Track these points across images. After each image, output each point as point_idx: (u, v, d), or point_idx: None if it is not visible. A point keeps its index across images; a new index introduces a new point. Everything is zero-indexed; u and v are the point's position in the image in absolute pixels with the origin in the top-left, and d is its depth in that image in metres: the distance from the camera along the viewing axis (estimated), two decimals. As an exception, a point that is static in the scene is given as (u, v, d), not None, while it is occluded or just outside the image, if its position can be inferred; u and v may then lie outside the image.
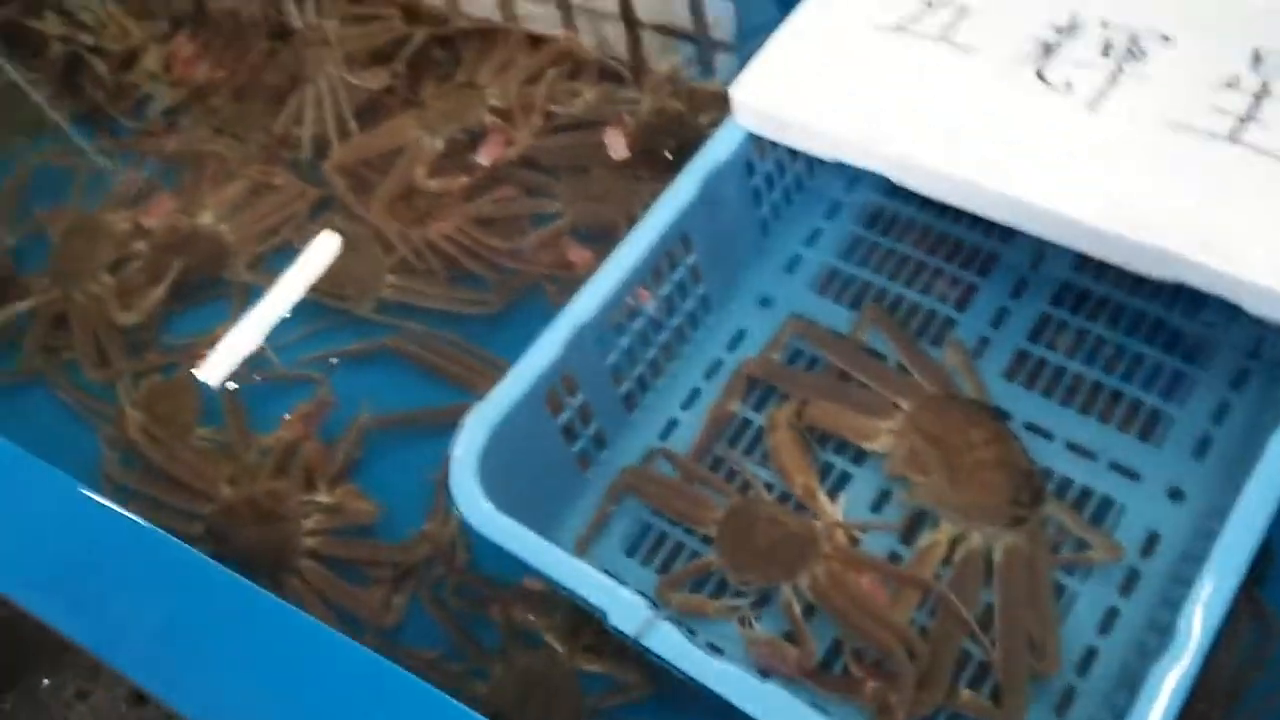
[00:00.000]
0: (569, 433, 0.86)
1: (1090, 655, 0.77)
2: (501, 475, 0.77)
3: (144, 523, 0.75)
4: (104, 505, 0.77)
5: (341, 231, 1.12)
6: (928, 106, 0.84)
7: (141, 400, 1.04)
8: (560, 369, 0.81)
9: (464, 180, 1.12)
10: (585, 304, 0.82)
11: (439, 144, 1.15)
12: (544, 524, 0.77)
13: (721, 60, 1.21)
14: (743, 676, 0.64)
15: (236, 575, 0.72)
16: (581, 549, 0.87)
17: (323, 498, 0.96)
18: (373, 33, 1.26)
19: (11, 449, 0.80)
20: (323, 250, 1.11)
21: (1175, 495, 0.82)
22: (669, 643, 0.66)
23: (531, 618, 0.86)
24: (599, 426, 0.88)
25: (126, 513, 0.76)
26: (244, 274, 1.13)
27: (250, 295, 1.11)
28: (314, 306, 1.09)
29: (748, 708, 0.62)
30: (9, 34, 1.43)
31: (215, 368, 1.07)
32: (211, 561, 0.73)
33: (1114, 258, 0.77)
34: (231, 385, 1.04)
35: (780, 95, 0.87)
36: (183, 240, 1.14)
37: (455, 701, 0.64)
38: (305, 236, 1.13)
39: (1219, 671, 0.72)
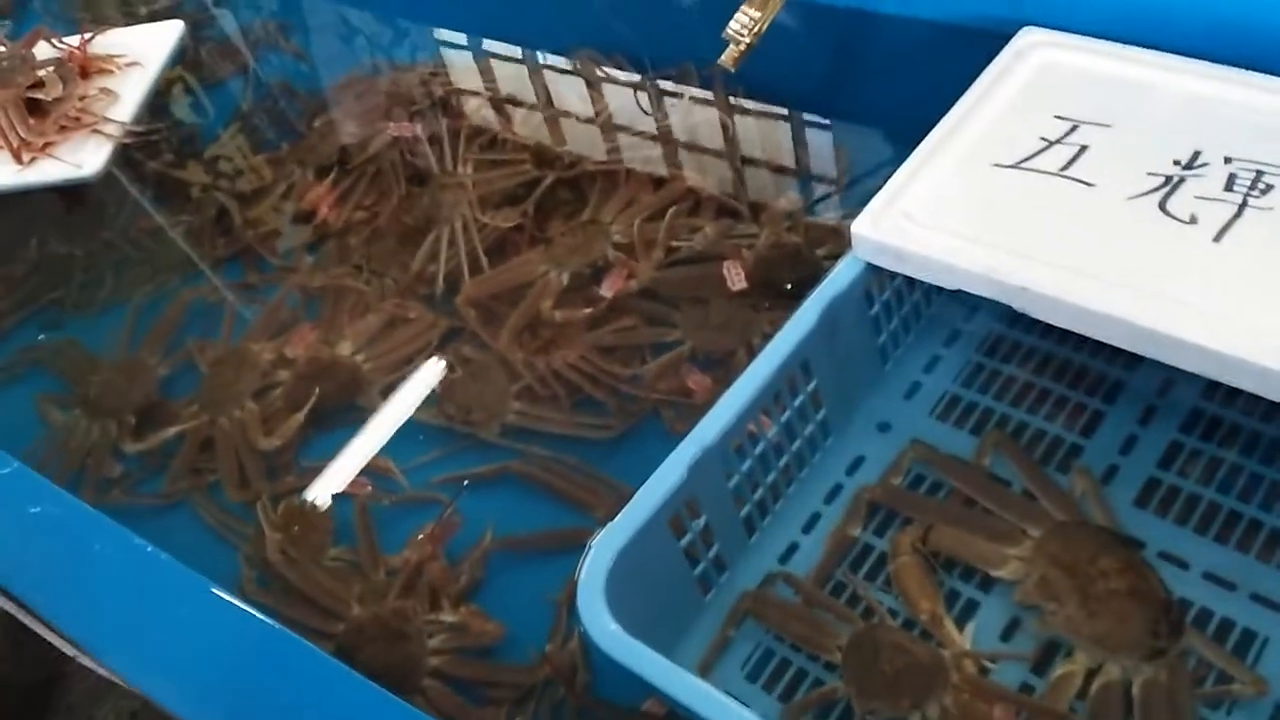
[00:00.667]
0: (691, 556, 0.87)
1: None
2: (626, 597, 0.78)
3: (300, 638, 0.78)
4: (267, 622, 0.79)
5: (470, 360, 1.17)
6: (1049, 237, 0.85)
7: (279, 521, 1.09)
8: (685, 492, 0.83)
9: (587, 311, 1.17)
10: (710, 427, 0.84)
11: (564, 278, 1.20)
12: (664, 647, 0.77)
13: (834, 198, 1.24)
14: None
15: (385, 691, 0.74)
16: (703, 672, 0.86)
17: (448, 617, 0.98)
18: (505, 176, 1.35)
19: (172, 562, 0.84)
20: (452, 378, 1.16)
21: (1325, 630, 0.79)
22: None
23: None
24: (720, 550, 0.89)
25: (282, 627, 0.78)
26: (378, 401, 1.18)
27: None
28: (442, 431, 1.13)
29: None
30: (161, 182, 1.56)
31: (349, 490, 1.11)
32: (364, 679, 0.75)
33: (1251, 386, 0.76)
34: (363, 507, 1.09)
35: (899, 229, 0.89)
36: (322, 369, 1.21)
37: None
38: (436, 366, 1.19)
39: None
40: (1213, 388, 0.93)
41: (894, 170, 0.94)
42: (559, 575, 0.97)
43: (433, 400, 1.16)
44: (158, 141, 1.58)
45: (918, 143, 0.96)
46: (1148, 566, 0.82)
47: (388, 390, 1.19)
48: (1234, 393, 0.91)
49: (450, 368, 1.17)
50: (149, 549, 0.86)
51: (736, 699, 0.72)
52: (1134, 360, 0.97)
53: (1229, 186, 0.85)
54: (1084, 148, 0.92)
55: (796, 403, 0.91)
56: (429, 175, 1.40)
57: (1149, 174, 0.88)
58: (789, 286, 1.11)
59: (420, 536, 1.03)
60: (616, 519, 0.80)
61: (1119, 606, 0.79)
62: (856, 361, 0.98)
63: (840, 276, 0.92)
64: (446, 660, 0.96)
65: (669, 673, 0.72)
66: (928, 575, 0.87)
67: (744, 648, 0.88)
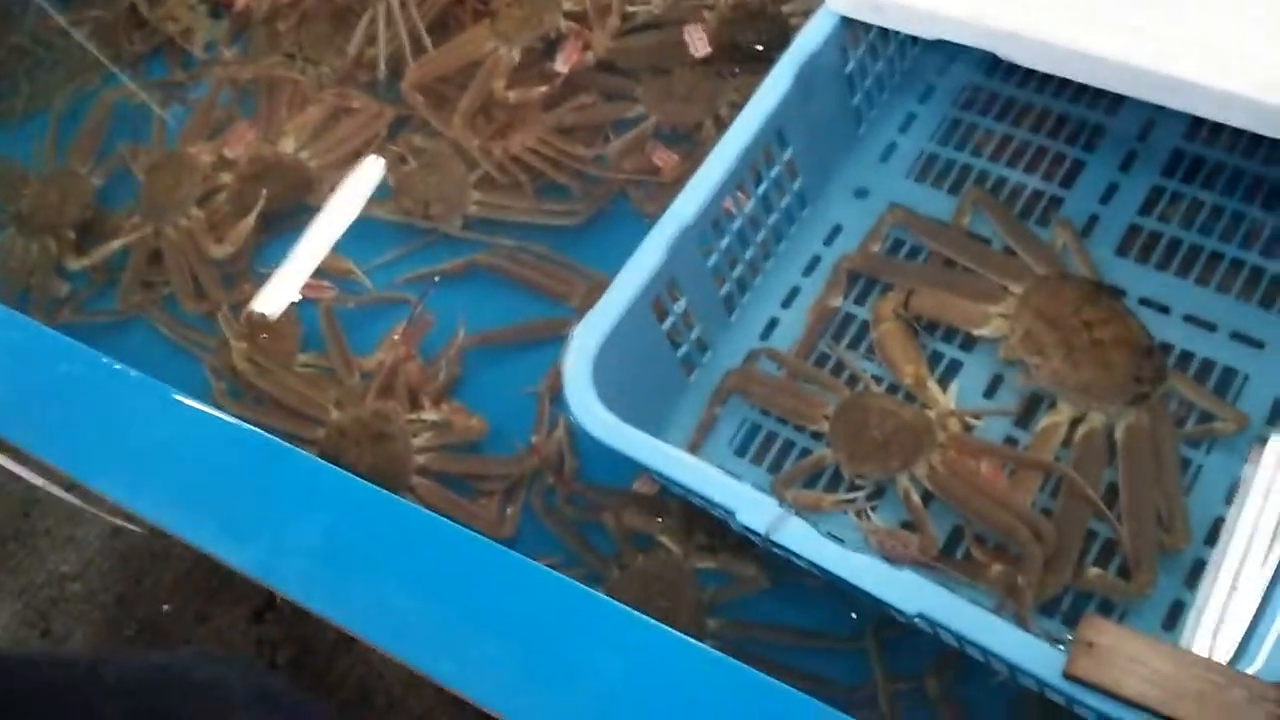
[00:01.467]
0: (673, 338, 0.86)
1: (1218, 526, 0.76)
2: (612, 384, 0.77)
3: (283, 443, 0.77)
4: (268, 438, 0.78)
5: (423, 150, 1.12)
6: (1030, -26, 0.80)
7: (243, 329, 1.06)
8: (665, 273, 0.81)
9: (543, 89, 1.11)
10: (687, 205, 0.81)
11: (515, 54, 1.13)
12: (652, 430, 0.77)
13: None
14: (880, 567, 0.64)
15: (383, 491, 0.73)
16: (691, 452, 0.87)
17: (430, 415, 0.97)
18: None
19: (148, 380, 0.82)
20: (406, 171, 1.11)
21: (1302, 362, 0.80)
22: (802, 538, 0.66)
23: (644, 520, 0.87)
24: (701, 330, 0.88)
25: (273, 438, 0.77)
26: (330, 199, 1.13)
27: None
28: (402, 228, 1.09)
29: (888, 596, 0.63)
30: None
31: (310, 294, 1.08)
32: (354, 477, 0.74)
33: (1237, 121, 0.73)
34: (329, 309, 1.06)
35: (874, -25, 0.83)
36: (267, 169, 1.15)
37: (591, 590, 0.66)
38: (388, 157, 1.13)
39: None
40: (1195, 128, 0.91)
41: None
42: (537, 367, 0.96)
43: (388, 195, 1.11)
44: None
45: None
46: (1130, 314, 0.82)
47: (339, 187, 1.14)
48: (1217, 131, 0.90)
49: (403, 159, 1.12)
50: (117, 366, 0.83)
51: (727, 472, 0.73)
52: (1115, 103, 0.94)
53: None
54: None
55: (773, 173, 0.88)
56: None
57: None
58: (757, 48, 1.05)
59: (394, 337, 1.01)
60: (597, 305, 0.78)
61: (1102, 355, 0.80)
62: (831, 125, 0.94)
63: (814, 33, 0.86)
64: (432, 457, 0.96)
65: (662, 453, 0.72)
66: (910, 339, 0.87)
67: (730, 425, 0.88)
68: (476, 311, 1.02)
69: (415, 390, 0.99)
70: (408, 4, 1.19)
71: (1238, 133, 0.87)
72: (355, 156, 1.15)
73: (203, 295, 1.11)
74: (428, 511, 0.72)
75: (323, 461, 0.76)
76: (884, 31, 0.92)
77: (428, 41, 1.18)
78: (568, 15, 1.14)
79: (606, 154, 1.06)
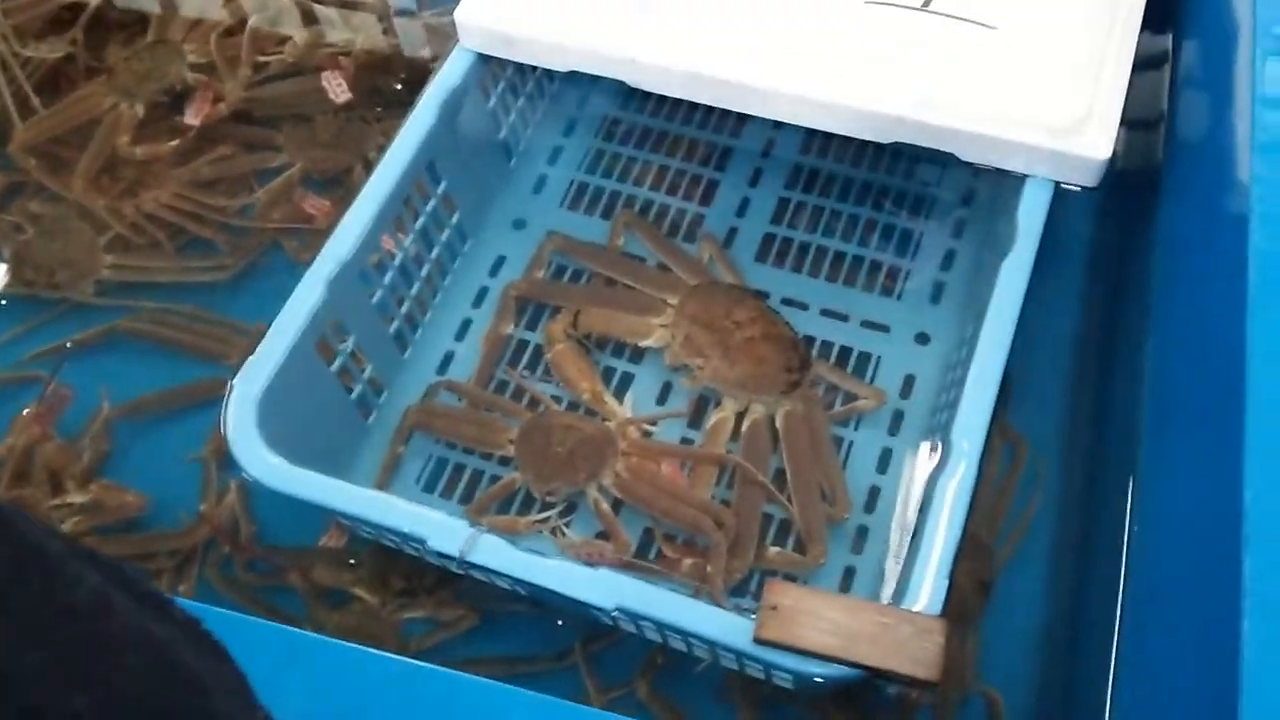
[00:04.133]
0: (344, 380, 0.83)
1: (874, 493, 0.84)
2: (282, 434, 0.73)
3: None
4: None
5: (42, 216, 1.02)
6: (647, 5, 0.86)
7: None
8: (327, 313, 0.78)
9: (173, 144, 1.05)
10: (342, 243, 0.79)
11: (139, 109, 1.07)
12: (337, 475, 0.74)
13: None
14: (577, 569, 0.65)
15: None
16: (378, 495, 0.84)
17: (76, 498, 0.88)
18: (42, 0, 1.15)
19: None
20: (23, 239, 1.01)
21: (922, 339, 0.90)
22: (497, 554, 0.66)
23: (335, 574, 0.83)
24: (374, 370, 0.86)
25: None
26: None
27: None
28: (25, 300, 0.99)
29: (587, 596, 0.63)
30: None
31: None
32: None
33: (842, 128, 0.82)
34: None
35: (504, 11, 0.86)
36: None
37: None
38: (1, 227, 1.02)
39: (983, 492, 0.80)
40: (808, 143, 1.01)
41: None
42: (198, 432, 0.90)
43: (4, 267, 1.01)
44: None
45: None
46: (774, 313, 0.89)
47: None
48: (827, 144, 1.00)
49: (18, 228, 1.01)
50: None
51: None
52: (739, 125, 1.03)
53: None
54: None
55: (429, 207, 0.88)
56: None
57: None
58: (397, 89, 1.05)
59: (28, 418, 0.91)
60: (257, 351, 0.75)
61: (755, 351, 0.86)
62: (482, 160, 0.96)
63: (453, 70, 0.88)
64: (85, 542, 0.86)
65: (341, 491, 0.70)
66: (583, 357, 0.89)
67: (416, 462, 0.86)
68: (124, 381, 0.94)
69: (56, 473, 0.89)
70: (10, 64, 1.10)
71: (842, 145, 0.99)
72: None
73: None
74: None
75: None
76: (520, 67, 0.95)
77: (36, 101, 1.09)
78: (193, 67, 1.09)
79: (253, 204, 1.02)
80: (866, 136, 0.82)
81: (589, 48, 0.84)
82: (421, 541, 0.67)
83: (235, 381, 0.74)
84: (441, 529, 0.67)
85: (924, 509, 0.69)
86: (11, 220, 1.02)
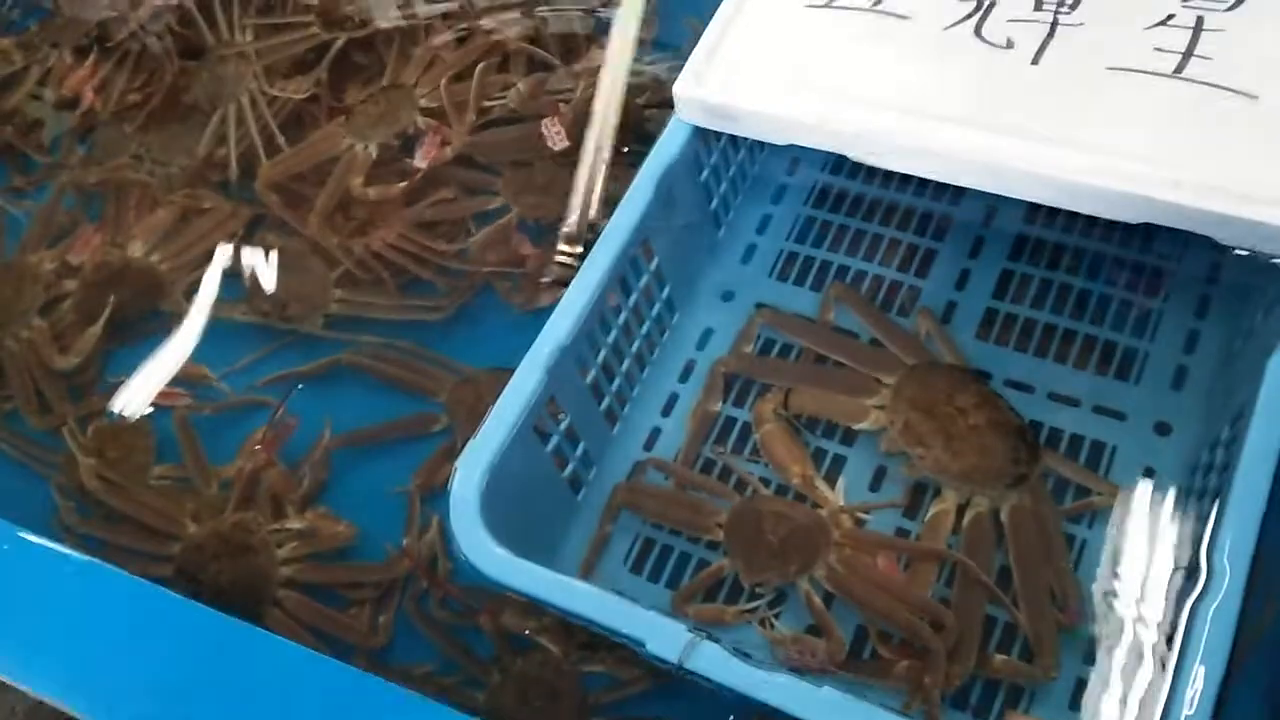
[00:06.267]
0: (558, 457, 0.83)
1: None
2: (499, 514, 0.74)
3: (122, 571, 0.71)
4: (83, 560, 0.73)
5: (280, 249, 1.08)
6: (874, 77, 0.83)
7: (92, 445, 0.99)
8: (545, 394, 0.78)
9: (402, 185, 1.09)
10: (561, 325, 0.79)
11: (372, 151, 1.11)
12: (544, 554, 0.75)
13: (646, 43, 1.18)
14: (799, 687, 0.62)
15: (221, 614, 0.69)
16: (585, 572, 0.84)
17: (295, 524, 0.92)
18: (290, 42, 1.22)
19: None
20: (262, 271, 1.07)
21: (1162, 429, 0.83)
22: (716, 664, 0.64)
23: (522, 621, 0.83)
24: (586, 447, 0.86)
25: (104, 563, 0.72)
26: (183, 303, 1.07)
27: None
28: (259, 329, 1.05)
29: (813, 716, 0.61)
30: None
31: (164, 403, 1.02)
32: (197, 604, 0.69)
33: (1084, 208, 0.77)
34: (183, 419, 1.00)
35: (725, 86, 0.85)
36: (114, 275, 1.09)
37: (451, 709, 0.63)
38: (242, 258, 1.09)
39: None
40: (1033, 212, 0.96)
41: (705, 17, 0.89)
42: (406, 466, 0.93)
43: (243, 296, 1.06)
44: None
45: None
46: (1000, 397, 0.84)
47: (192, 291, 1.08)
48: (1054, 214, 0.94)
49: (259, 260, 1.07)
50: None
51: (622, 592, 0.70)
52: (957, 194, 0.98)
53: (1038, 6, 0.85)
54: (892, -21, 0.89)
55: (641, 283, 0.88)
56: (204, 47, 1.26)
57: (959, 0, 0.87)
58: (614, 140, 1.05)
59: (257, 443, 0.96)
60: (478, 433, 0.75)
61: (980, 440, 0.81)
62: (692, 231, 0.94)
63: (670, 143, 0.87)
64: (299, 568, 0.91)
65: (565, 588, 0.69)
66: (794, 439, 0.87)
67: (623, 541, 0.86)
68: (341, 412, 0.98)
69: (278, 498, 0.94)
70: (259, 103, 1.17)
71: (1071, 215, 0.93)
72: (208, 258, 1.10)
73: (48, 409, 1.04)
74: (287, 641, 0.68)
75: (155, 586, 0.71)
76: (733, 137, 0.94)
77: (281, 140, 1.15)
78: (424, 111, 1.13)
79: (469, 247, 1.05)
80: (1110, 216, 0.77)
81: (816, 123, 0.82)
82: (640, 644, 0.66)
83: (459, 462, 0.75)
84: (662, 633, 0.65)
85: (1178, 635, 0.64)
86: (252, 251, 1.08)
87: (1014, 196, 0.80)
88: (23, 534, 0.75)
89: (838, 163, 1.01)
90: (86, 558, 0.73)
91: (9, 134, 1.25)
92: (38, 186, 1.21)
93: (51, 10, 1.35)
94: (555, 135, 1.08)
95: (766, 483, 0.86)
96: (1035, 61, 0.82)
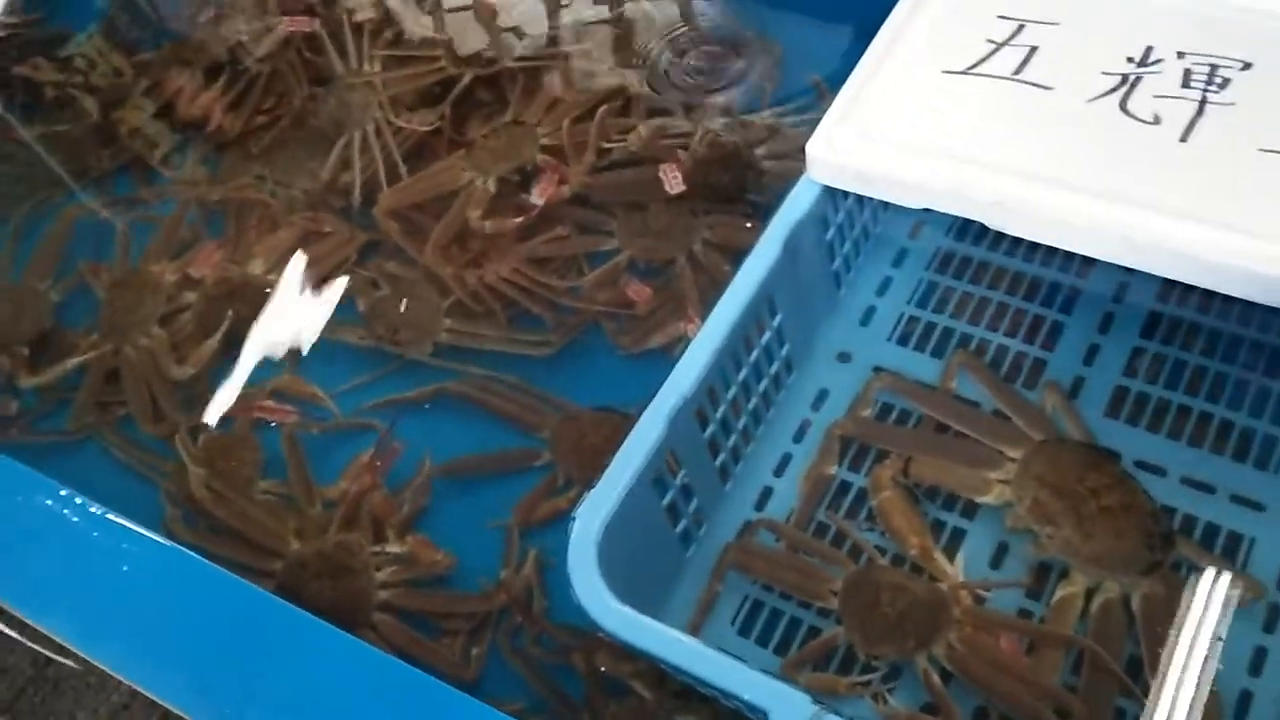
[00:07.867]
0: (672, 511, 0.82)
1: (1245, 699, 0.74)
2: (614, 566, 0.72)
3: (237, 578, 0.72)
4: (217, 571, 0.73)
5: (395, 276, 1.09)
6: (1014, 146, 0.81)
7: (202, 455, 1.00)
8: (665, 447, 0.77)
9: (518, 220, 1.09)
10: (685, 376, 0.78)
11: (491, 185, 1.12)
12: (651, 609, 0.72)
13: (768, 93, 1.18)
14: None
15: (335, 628, 0.69)
16: (693, 631, 0.82)
17: (394, 548, 0.92)
18: (417, 75, 1.24)
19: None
20: (376, 296, 1.08)
21: (1305, 524, 0.80)
22: (844, 739, 0.62)
23: (617, 664, 0.81)
24: (698, 503, 0.84)
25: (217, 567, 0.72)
26: (298, 323, 1.08)
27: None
28: (370, 353, 1.05)
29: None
30: (31, 87, 1.38)
31: (273, 419, 1.03)
32: (310, 616, 0.69)
33: (1232, 290, 0.75)
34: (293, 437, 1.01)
35: (859, 148, 0.84)
36: (234, 290, 1.11)
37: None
38: (358, 282, 1.10)
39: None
40: (1167, 289, 0.93)
41: (833, 69, 0.89)
42: (506, 499, 0.92)
43: (356, 319, 1.07)
44: (23, 40, 1.40)
45: (850, 36, 0.91)
46: (1132, 479, 0.81)
47: (307, 311, 1.10)
48: (1189, 292, 0.91)
49: (374, 284, 1.09)
50: (63, 491, 0.78)
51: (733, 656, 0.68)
52: (1086, 266, 0.96)
53: (1186, 83, 0.83)
54: (1034, 49, 0.88)
55: (763, 340, 0.86)
56: (332, 75, 1.28)
57: (1104, 73, 0.85)
58: (729, 188, 1.05)
59: (362, 465, 0.96)
60: (599, 483, 0.74)
61: (1113, 523, 0.78)
62: (814, 290, 0.93)
63: (799, 201, 0.86)
64: (396, 593, 0.90)
65: (686, 648, 0.67)
66: (913, 508, 0.84)
67: (731, 602, 0.84)
68: (444, 440, 0.98)
69: (380, 521, 0.93)
70: (384, 132, 1.18)
71: (1208, 294, 0.90)
72: (325, 280, 1.11)
73: (161, 417, 1.05)
74: (411, 667, 0.67)
75: (271, 595, 0.71)
76: (860, 197, 0.93)
77: (403, 169, 1.17)
78: (544, 149, 1.14)
79: (580, 286, 1.05)
80: (1258, 300, 0.74)
81: (951, 189, 0.81)
82: (764, 713, 0.64)
83: (579, 511, 0.73)
84: (788, 704, 0.63)
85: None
86: (367, 276, 1.10)
87: (1155, 273, 0.77)
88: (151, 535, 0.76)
89: (963, 227, 0.99)
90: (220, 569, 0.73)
91: (139, 147, 1.29)
92: (161, 200, 1.24)
93: (186, 31, 1.39)
94: (673, 180, 1.08)
95: (882, 551, 0.84)
96: (1184, 139, 0.80)
